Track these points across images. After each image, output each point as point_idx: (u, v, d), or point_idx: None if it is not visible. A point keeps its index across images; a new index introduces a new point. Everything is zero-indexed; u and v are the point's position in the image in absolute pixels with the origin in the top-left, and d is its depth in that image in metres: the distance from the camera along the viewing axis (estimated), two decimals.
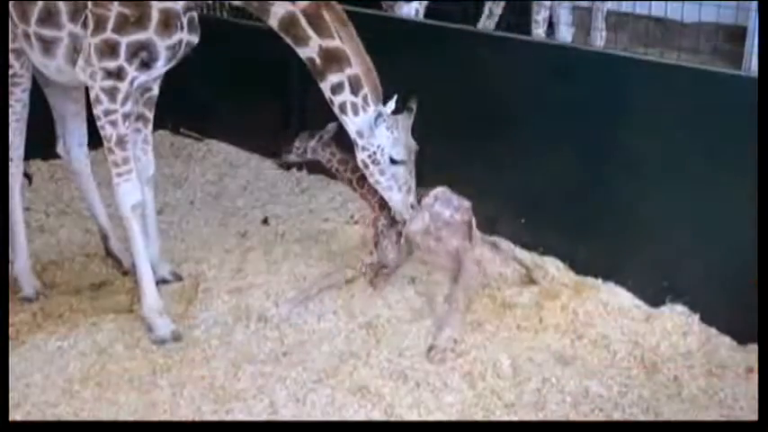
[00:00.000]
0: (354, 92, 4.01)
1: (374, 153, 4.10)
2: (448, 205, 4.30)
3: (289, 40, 4.02)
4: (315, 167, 4.84)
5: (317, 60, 3.99)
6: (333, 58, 3.97)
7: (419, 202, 4.29)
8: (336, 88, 4.02)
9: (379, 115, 4.02)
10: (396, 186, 4.18)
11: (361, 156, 4.14)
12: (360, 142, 4.10)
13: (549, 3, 6.40)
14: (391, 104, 4.04)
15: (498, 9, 6.73)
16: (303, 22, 3.94)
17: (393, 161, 4.11)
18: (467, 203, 4.33)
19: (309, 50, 3.99)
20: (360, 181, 4.51)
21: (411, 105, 4.12)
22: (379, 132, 4.06)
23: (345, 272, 4.58)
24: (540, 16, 6.38)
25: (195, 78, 6.37)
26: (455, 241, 4.30)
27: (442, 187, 4.33)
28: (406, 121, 4.11)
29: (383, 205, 4.41)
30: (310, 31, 3.94)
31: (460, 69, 4.95)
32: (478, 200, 4.62)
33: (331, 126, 4.56)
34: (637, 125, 4.41)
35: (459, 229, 4.30)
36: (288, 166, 6.14)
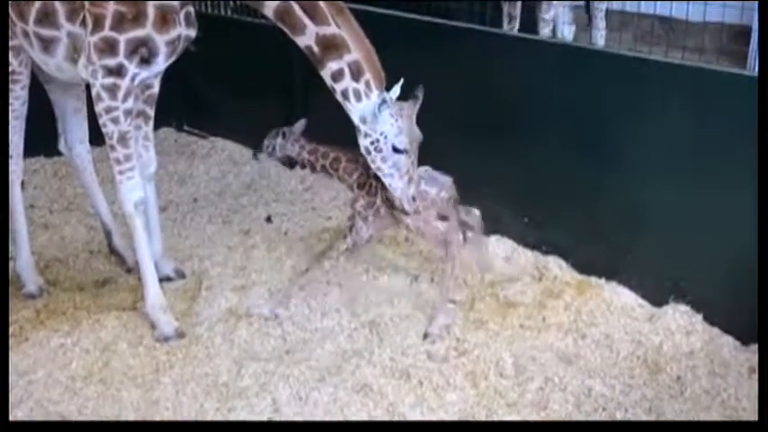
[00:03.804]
0: (356, 78, 3.96)
1: (377, 140, 4.02)
2: (433, 183, 4.25)
3: (285, 30, 3.99)
4: None
5: (315, 48, 3.95)
6: (331, 46, 3.93)
7: None
8: (337, 75, 3.97)
9: (383, 102, 3.96)
10: (397, 175, 4.09)
11: (363, 142, 4.07)
12: (362, 128, 4.04)
13: (556, 2, 6.38)
14: (396, 90, 3.99)
15: (516, 11, 6.71)
16: (298, 10, 3.90)
17: (396, 149, 4.04)
18: (449, 180, 4.29)
19: (306, 39, 3.95)
20: (334, 163, 4.47)
21: (417, 93, 4.05)
22: (383, 119, 3.98)
23: (322, 263, 4.53)
24: (548, 15, 6.37)
25: (199, 76, 6.41)
26: (442, 225, 4.27)
27: (425, 166, 4.26)
28: (410, 109, 4.04)
29: (362, 185, 4.38)
30: (306, 20, 3.91)
31: (464, 68, 4.95)
32: (482, 199, 4.61)
33: (299, 123, 4.55)
34: (641, 124, 4.40)
35: (445, 206, 4.27)
36: (291, 165, 6.14)
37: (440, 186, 4.25)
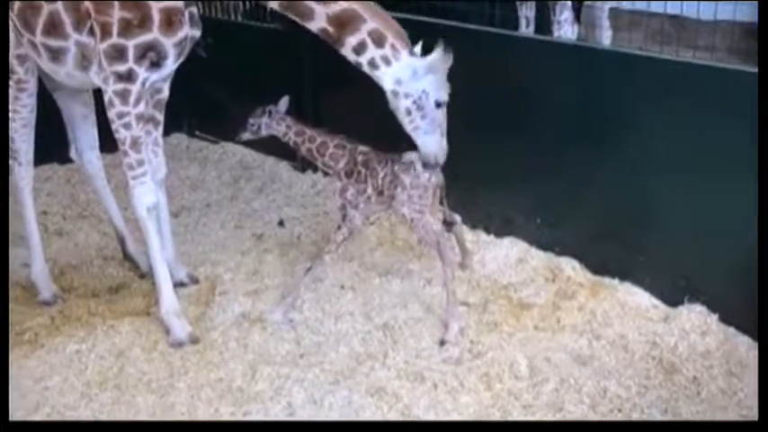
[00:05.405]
0: (379, 45, 3.92)
1: (419, 98, 3.97)
2: (423, 168, 4.20)
3: (295, 19, 3.97)
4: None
5: (330, 29, 3.92)
6: (345, 21, 3.90)
7: (393, 169, 4.21)
8: (359, 48, 3.93)
9: (422, 61, 3.91)
10: (432, 130, 4.03)
11: (403, 104, 3.98)
12: (400, 90, 3.97)
13: (570, 3, 6.38)
14: (417, 50, 3.96)
15: (531, 13, 6.72)
16: None
17: (438, 104, 4.00)
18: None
19: (318, 22, 3.93)
20: (320, 148, 4.44)
21: (447, 47, 3.96)
22: (426, 78, 3.94)
23: (323, 258, 4.49)
24: (562, 17, 6.37)
25: (210, 81, 6.41)
26: (435, 224, 4.25)
27: (414, 152, 4.18)
28: (444, 62, 3.97)
29: (349, 173, 4.35)
30: (312, 3, 3.89)
31: (476, 69, 4.92)
32: (495, 200, 4.59)
33: (282, 100, 4.52)
34: (653, 124, 4.38)
35: (434, 193, 4.24)
36: (300, 165, 6.15)
37: (429, 171, 4.20)
